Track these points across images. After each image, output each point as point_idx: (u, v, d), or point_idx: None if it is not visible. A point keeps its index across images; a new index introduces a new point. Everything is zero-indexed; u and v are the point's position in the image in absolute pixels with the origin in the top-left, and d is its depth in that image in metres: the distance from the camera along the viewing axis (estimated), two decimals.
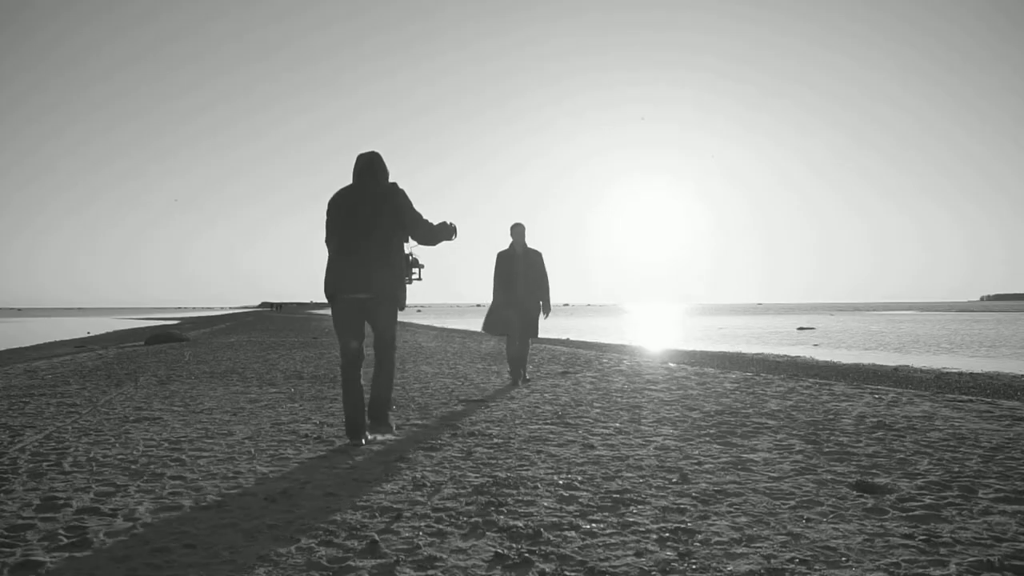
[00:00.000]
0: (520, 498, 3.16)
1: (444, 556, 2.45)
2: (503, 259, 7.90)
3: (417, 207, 4.56)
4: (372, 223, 4.35)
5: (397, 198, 4.44)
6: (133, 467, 3.76)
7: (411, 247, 4.68)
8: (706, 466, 3.75)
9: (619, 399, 6.41)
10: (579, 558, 2.43)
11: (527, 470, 3.70)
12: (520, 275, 7.80)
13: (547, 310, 7.98)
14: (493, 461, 3.91)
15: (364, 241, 4.34)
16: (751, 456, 3.98)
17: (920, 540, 2.58)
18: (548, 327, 20.97)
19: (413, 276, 4.73)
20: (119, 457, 4.00)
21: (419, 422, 5.25)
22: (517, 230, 7.97)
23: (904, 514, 2.89)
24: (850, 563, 2.36)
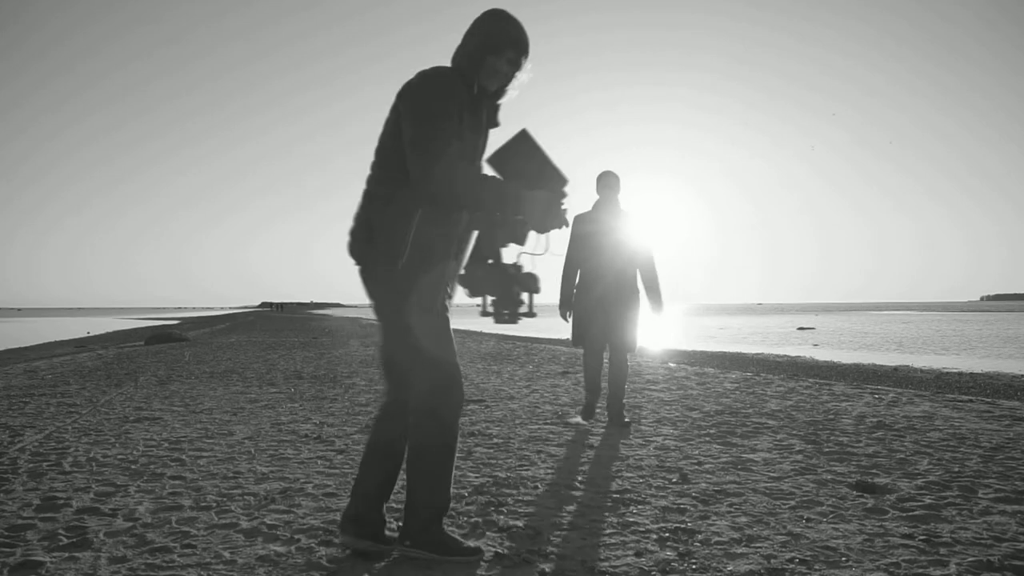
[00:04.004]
0: (520, 498, 3.17)
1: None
2: (582, 228, 5.12)
3: None
4: (384, 135, 2.39)
5: (408, 97, 2.30)
6: (133, 467, 3.76)
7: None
8: (706, 466, 3.75)
9: None
10: (579, 558, 2.43)
11: (527, 470, 3.70)
12: (607, 254, 5.04)
13: (658, 306, 5.24)
14: (493, 461, 3.91)
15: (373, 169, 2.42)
16: (751, 456, 3.99)
17: (920, 540, 2.58)
18: (544, 327, 15.00)
19: (523, 253, 2.44)
20: (119, 457, 4.00)
21: None
22: (606, 182, 5.09)
23: (904, 514, 2.89)
24: (850, 563, 2.36)
